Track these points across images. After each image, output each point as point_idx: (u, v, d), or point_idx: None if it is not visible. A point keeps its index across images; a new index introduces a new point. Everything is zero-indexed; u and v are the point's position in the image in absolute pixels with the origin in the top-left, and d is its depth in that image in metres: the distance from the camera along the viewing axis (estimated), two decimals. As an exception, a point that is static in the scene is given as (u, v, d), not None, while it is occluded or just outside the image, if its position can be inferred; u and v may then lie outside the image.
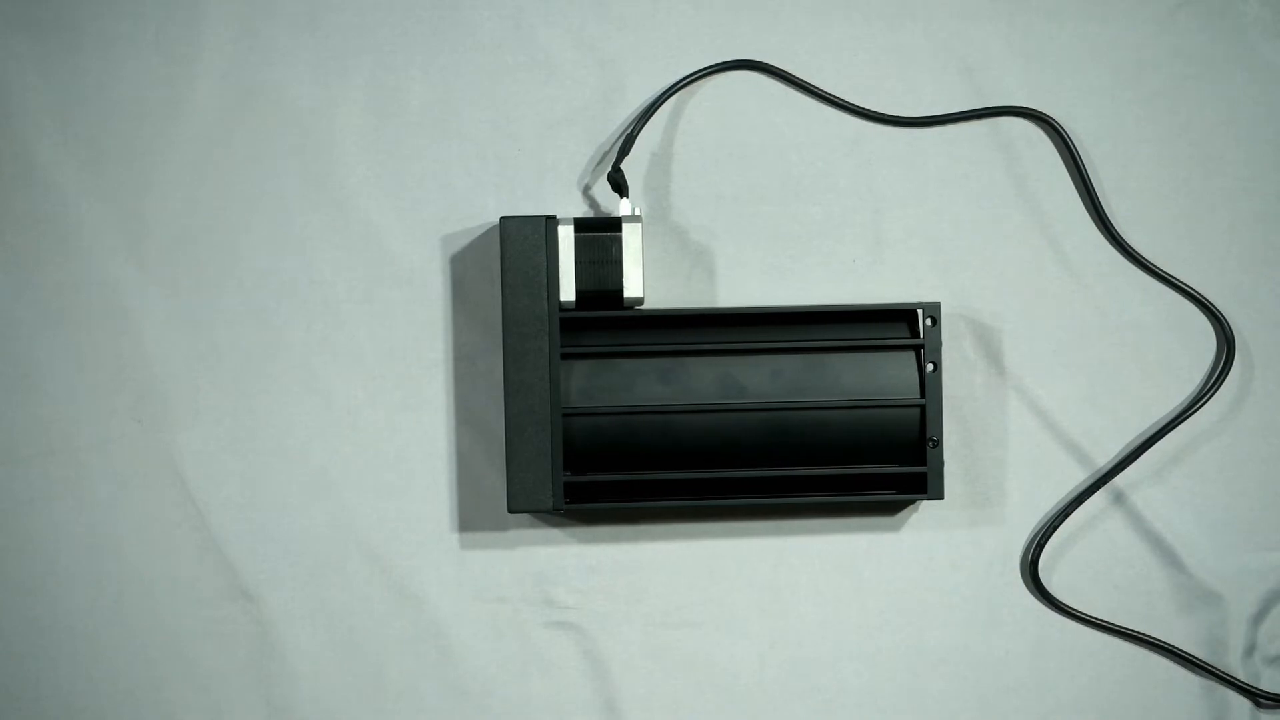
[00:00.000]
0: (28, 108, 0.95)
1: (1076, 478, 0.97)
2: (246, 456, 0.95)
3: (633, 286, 0.90)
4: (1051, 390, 0.97)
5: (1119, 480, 0.96)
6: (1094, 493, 0.96)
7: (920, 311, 0.92)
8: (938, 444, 0.91)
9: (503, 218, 0.90)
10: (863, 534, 0.96)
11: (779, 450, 0.91)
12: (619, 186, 0.93)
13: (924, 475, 0.92)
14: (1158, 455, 0.97)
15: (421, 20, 0.96)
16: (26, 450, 0.94)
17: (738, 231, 0.96)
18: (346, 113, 0.96)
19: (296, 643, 0.95)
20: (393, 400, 0.95)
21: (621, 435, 0.90)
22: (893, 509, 0.96)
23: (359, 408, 0.95)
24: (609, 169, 0.93)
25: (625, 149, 0.93)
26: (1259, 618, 0.97)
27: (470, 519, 0.96)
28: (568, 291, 0.90)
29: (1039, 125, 0.98)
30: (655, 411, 0.90)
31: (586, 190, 0.96)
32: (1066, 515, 0.96)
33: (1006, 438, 0.96)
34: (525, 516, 0.95)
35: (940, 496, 0.92)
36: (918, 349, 0.92)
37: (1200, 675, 0.96)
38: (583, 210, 0.96)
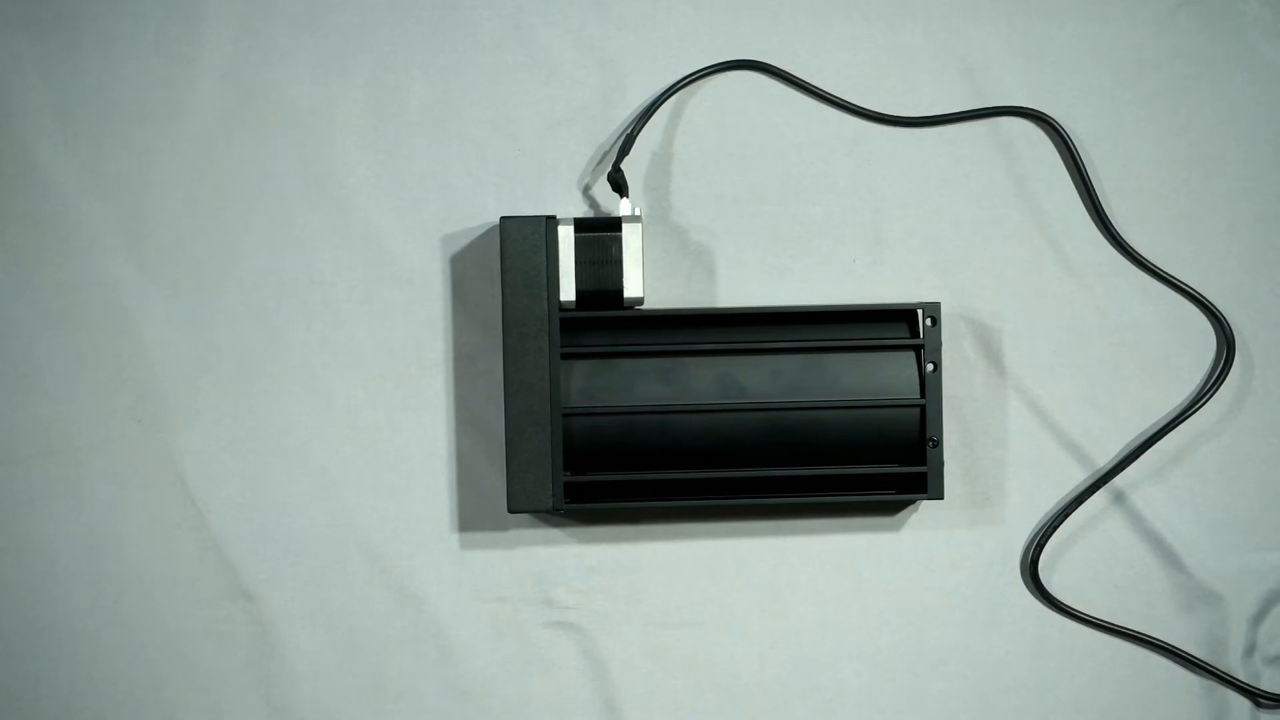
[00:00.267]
0: (28, 108, 0.95)
1: (1076, 478, 0.97)
2: (246, 456, 0.95)
3: (633, 286, 0.90)
4: (1051, 390, 0.97)
5: (1119, 480, 0.96)
6: (1094, 493, 0.96)
7: (920, 311, 0.92)
8: (938, 444, 0.91)
9: (503, 218, 0.90)
10: (863, 534, 0.96)
11: (779, 450, 0.91)
12: (619, 186, 0.93)
13: (924, 475, 0.92)
14: (1158, 455, 0.97)
15: (421, 20, 0.96)
16: (26, 450, 0.94)
17: (738, 231, 0.96)
18: (346, 113, 0.96)
19: (296, 643, 0.95)
20: (393, 400, 0.95)
21: (621, 435, 0.90)
22: (893, 509, 0.96)
23: (359, 408, 0.95)
24: (609, 169, 0.93)
25: (625, 149, 0.93)
26: (1259, 618, 0.97)
27: (470, 519, 0.96)
28: (568, 291, 0.90)
29: (1039, 125, 0.98)
30: (655, 411, 0.90)
31: (586, 190, 0.96)
32: (1066, 515, 0.96)
33: (1006, 438, 0.96)
34: (525, 516, 0.95)
35: (940, 496, 0.92)
36: (918, 349, 0.92)
37: (1200, 675, 0.96)
38: (583, 210, 0.96)
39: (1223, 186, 0.98)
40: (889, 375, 0.91)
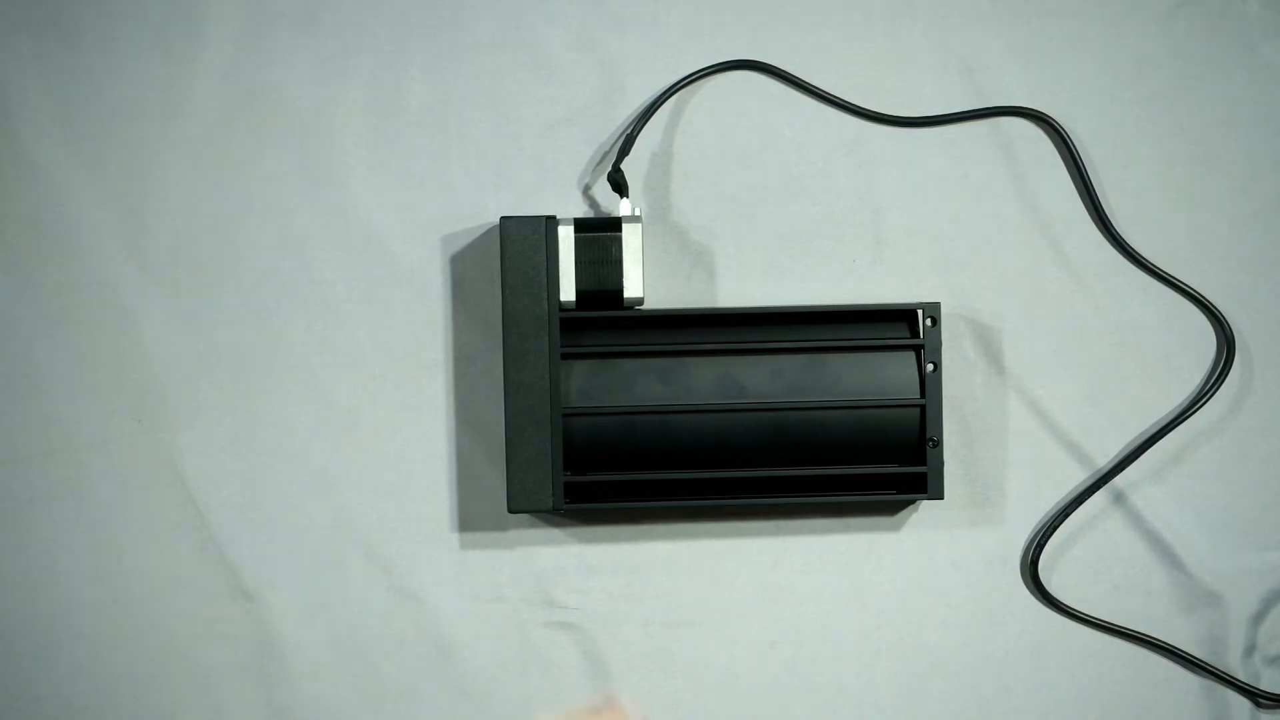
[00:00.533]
0: (28, 108, 0.95)
1: (1076, 478, 0.97)
2: (246, 456, 0.95)
3: (633, 286, 0.90)
4: (1051, 390, 0.97)
5: (1119, 480, 0.96)
6: (1094, 493, 0.96)
7: (920, 311, 0.92)
8: (938, 444, 0.91)
9: (503, 218, 0.90)
10: (863, 534, 0.96)
11: (779, 450, 0.91)
12: (619, 186, 0.93)
13: (924, 475, 0.92)
14: (1158, 455, 0.97)
15: (421, 20, 0.96)
16: (26, 450, 0.94)
17: (738, 231, 0.96)
18: (346, 113, 0.96)
19: (296, 643, 0.95)
20: (393, 400, 0.95)
21: (621, 435, 0.90)
22: (893, 509, 0.96)
23: (359, 408, 0.95)
24: (609, 169, 0.93)
25: (625, 149, 0.93)
26: (1259, 618, 0.97)
27: (470, 519, 0.96)
28: (568, 291, 0.90)
29: (1039, 125, 0.98)
30: (655, 411, 0.90)
31: (586, 190, 0.96)
32: (1066, 515, 0.96)
33: (1006, 438, 0.96)
34: (525, 516, 0.95)
35: (940, 496, 0.92)
36: (918, 349, 0.92)
37: (1200, 675, 0.96)
38: (583, 210, 0.96)
39: (1223, 186, 0.98)
40: (889, 375, 0.91)
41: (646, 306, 0.94)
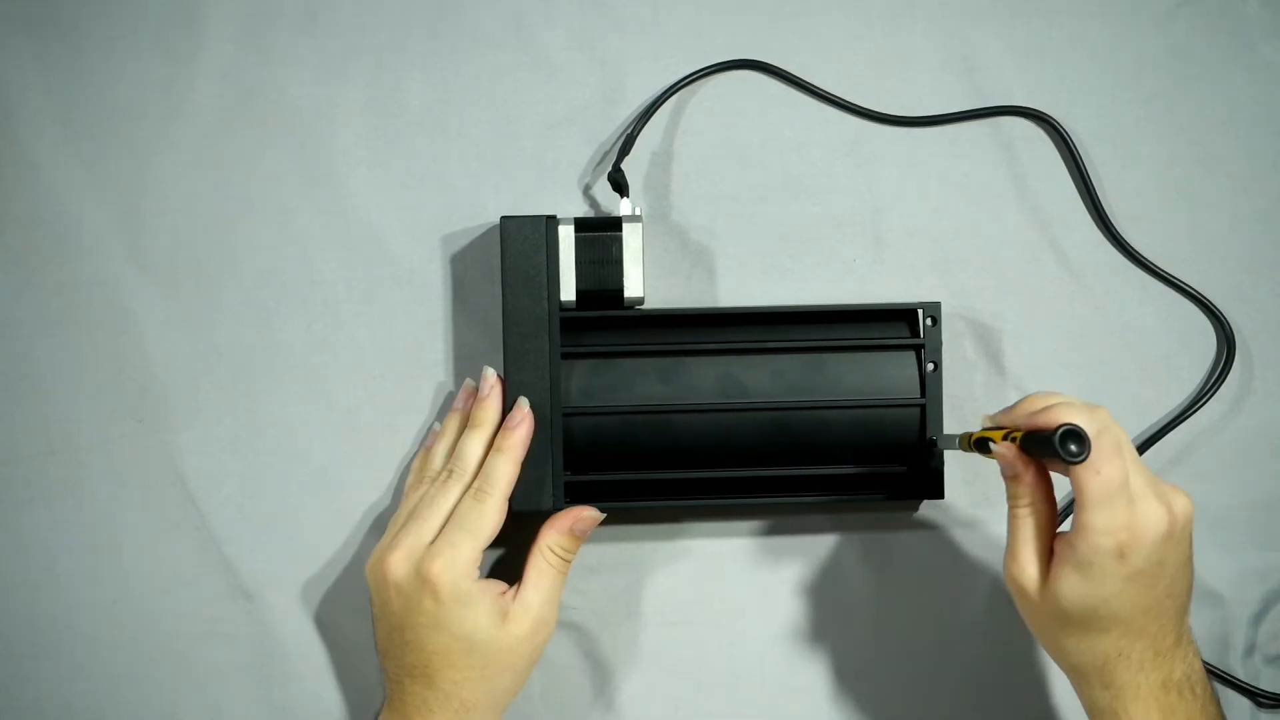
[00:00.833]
0: (28, 108, 0.95)
1: (1077, 478, 0.97)
2: (246, 456, 0.95)
3: (633, 286, 0.90)
4: (1051, 390, 0.97)
5: (1119, 480, 0.96)
6: (1094, 493, 0.96)
7: (920, 311, 0.92)
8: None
9: (503, 218, 0.90)
10: (863, 534, 0.96)
11: (779, 450, 0.91)
12: (619, 186, 0.93)
13: (924, 475, 0.92)
14: (1158, 455, 0.97)
15: (421, 20, 0.96)
16: (26, 450, 0.94)
17: (738, 231, 0.97)
18: (346, 113, 0.96)
19: (296, 643, 0.95)
20: (393, 400, 0.95)
21: (621, 435, 0.90)
22: (893, 509, 0.96)
23: (359, 408, 0.95)
24: (609, 169, 0.93)
25: (625, 149, 0.93)
26: (1259, 618, 0.97)
27: (470, 519, 0.95)
28: (568, 291, 0.90)
29: (1039, 125, 0.98)
30: (655, 411, 0.90)
31: (586, 190, 0.96)
32: (1067, 515, 0.96)
33: (1006, 438, 0.96)
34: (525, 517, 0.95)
35: (940, 496, 0.92)
36: (918, 349, 0.92)
37: (1200, 675, 0.96)
38: (583, 210, 0.96)
39: (1223, 186, 0.98)
40: (889, 375, 0.91)
41: (647, 306, 0.94)
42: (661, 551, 0.96)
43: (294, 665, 0.95)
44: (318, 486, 0.95)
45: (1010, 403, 0.96)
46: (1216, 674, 0.96)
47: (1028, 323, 0.97)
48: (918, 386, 0.91)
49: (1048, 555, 0.78)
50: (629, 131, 0.95)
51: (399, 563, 0.83)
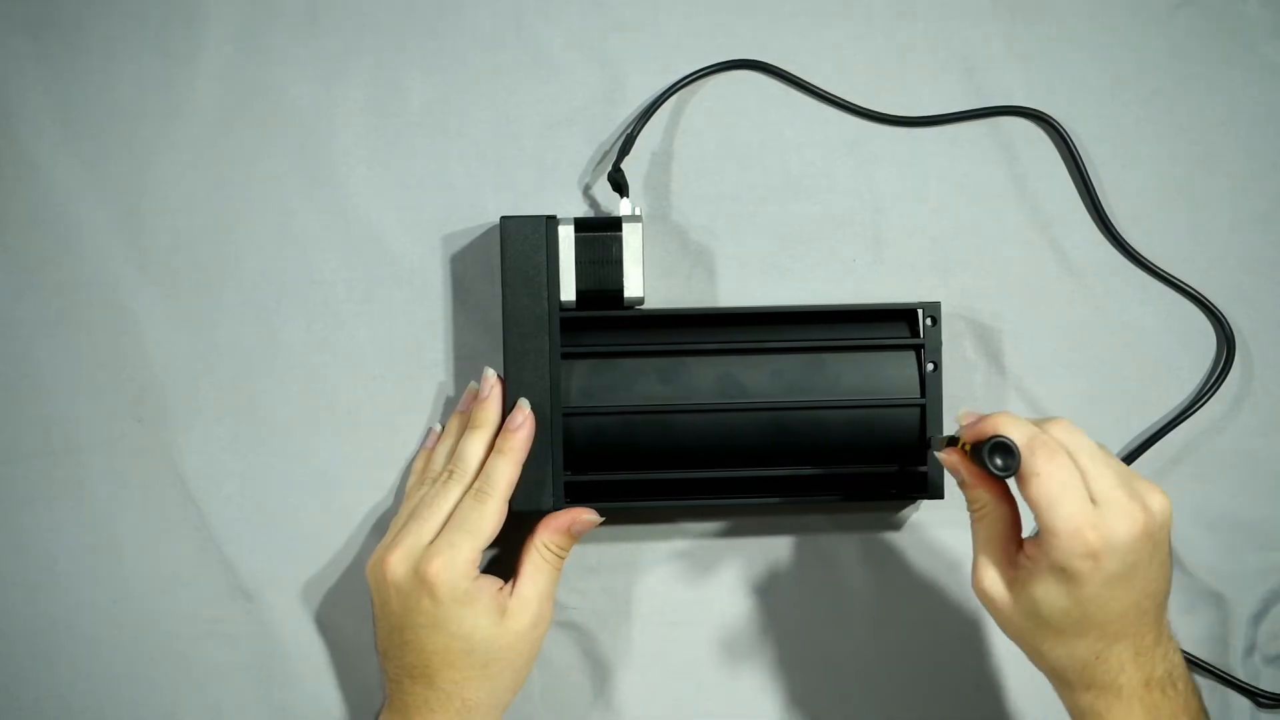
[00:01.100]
0: (28, 108, 0.95)
1: (1076, 478, 0.97)
2: (246, 456, 0.95)
3: (633, 286, 0.90)
4: (1051, 390, 0.97)
5: (1119, 480, 0.96)
6: (1094, 493, 0.96)
7: (920, 311, 0.92)
8: (938, 444, 0.91)
9: (503, 218, 0.90)
10: (863, 534, 0.96)
11: (779, 450, 0.91)
12: (619, 186, 0.93)
13: (924, 475, 0.92)
14: (1158, 455, 0.97)
15: (421, 20, 0.96)
16: (26, 450, 0.94)
17: (738, 231, 0.96)
18: (346, 113, 0.96)
19: (296, 643, 0.95)
20: (393, 400, 0.95)
21: (621, 435, 0.90)
22: (893, 509, 0.96)
23: (359, 408, 0.95)
24: (609, 169, 0.93)
25: (625, 149, 0.93)
26: (1259, 618, 0.97)
27: (470, 519, 0.95)
28: (568, 291, 0.90)
29: (1039, 125, 0.98)
30: (655, 411, 0.90)
31: (586, 190, 0.96)
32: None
33: (1006, 438, 0.96)
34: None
35: (940, 496, 0.92)
36: (918, 349, 0.92)
37: (1200, 675, 0.96)
38: (583, 210, 0.96)
39: (1223, 186, 0.98)
40: (889, 375, 0.91)
41: (647, 306, 0.94)
42: (661, 551, 0.96)
43: (294, 665, 0.95)
44: (318, 486, 0.95)
45: (1010, 403, 0.97)
46: (1216, 674, 0.96)
47: (1028, 323, 0.97)
48: (917, 386, 0.91)
49: (1010, 562, 0.77)
50: (629, 131, 0.95)
51: (398, 562, 0.83)
